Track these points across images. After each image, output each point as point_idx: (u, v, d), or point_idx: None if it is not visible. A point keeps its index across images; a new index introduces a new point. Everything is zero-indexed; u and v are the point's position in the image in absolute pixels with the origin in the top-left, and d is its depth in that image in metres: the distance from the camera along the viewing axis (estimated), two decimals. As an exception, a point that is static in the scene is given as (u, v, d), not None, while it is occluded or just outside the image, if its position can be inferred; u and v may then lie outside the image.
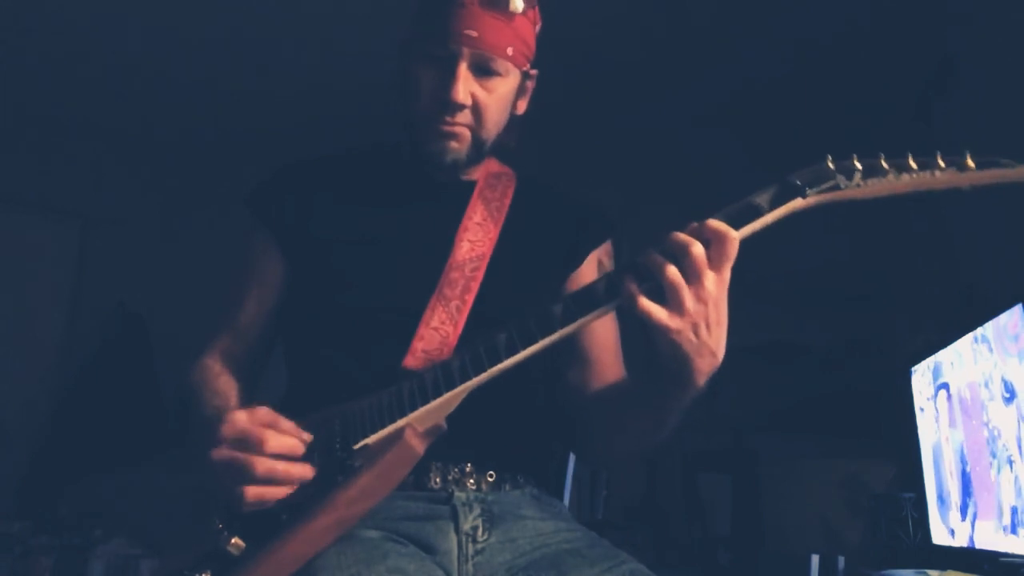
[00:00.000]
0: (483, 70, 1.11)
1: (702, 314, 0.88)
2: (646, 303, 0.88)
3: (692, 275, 0.87)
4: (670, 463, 3.73)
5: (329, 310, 1.13)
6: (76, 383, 3.84)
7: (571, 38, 2.63)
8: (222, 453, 0.89)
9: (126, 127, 3.97)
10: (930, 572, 1.86)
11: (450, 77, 1.09)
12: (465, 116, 1.12)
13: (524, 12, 1.11)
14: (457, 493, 1.05)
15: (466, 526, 1.02)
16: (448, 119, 1.11)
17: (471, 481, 1.07)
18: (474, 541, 1.02)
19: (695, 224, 0.90)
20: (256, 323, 1.19)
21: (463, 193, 1.21)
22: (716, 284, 0.88)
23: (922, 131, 3.14)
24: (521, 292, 1.14)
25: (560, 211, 1.26)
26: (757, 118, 3.47)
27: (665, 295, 0.88)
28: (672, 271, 0.87)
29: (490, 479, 1.08)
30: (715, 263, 0.88)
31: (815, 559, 2.41)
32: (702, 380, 0.93)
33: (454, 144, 1.13)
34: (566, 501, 1.53)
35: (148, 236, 4.17)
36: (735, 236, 0.88)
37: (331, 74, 3.39)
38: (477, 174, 1.23)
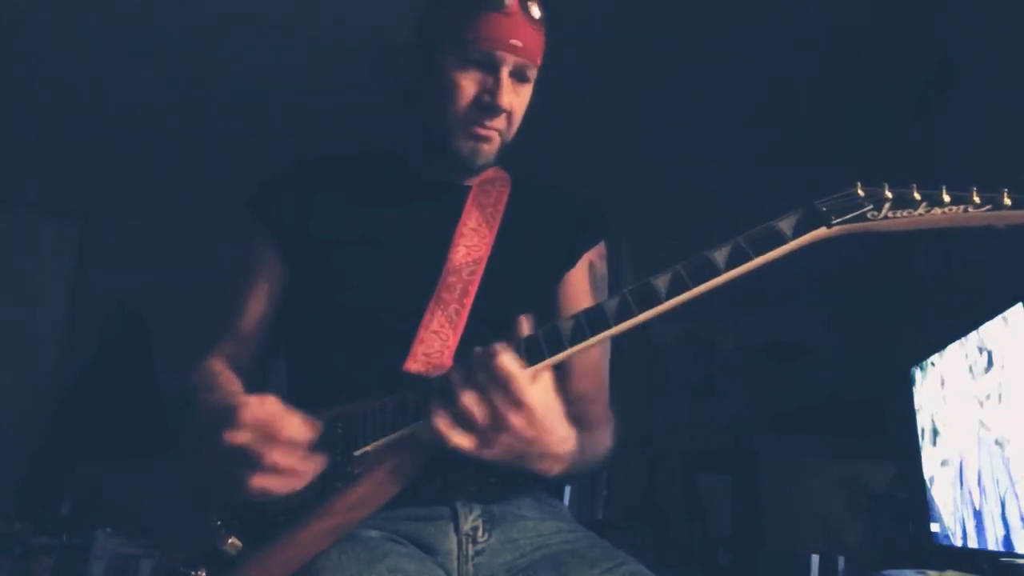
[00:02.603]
0: (520, 77, 1.14)
1: (507, 441, 0.88)
2: (445, 428, 0.87)
3: (487, 410, 0.86)
4: (670, 463, 3.72)
5: (329, 311, 1.13)
6: (76, 383, 3.84)
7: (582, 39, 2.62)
8: (240, 437, 0.87)
9: (126, 127, 3.97)
10: (930, 572, 1.86)
11: (496, 84, 1.11)
12: (500, 121, 1.14)
13: (544, 20, 1.14)
14: (457, 493, 1.05)
15: (466, 527, 1.02)
16: (487, 123, 1.13)
17: (471, 482, 1.06)
18: (474, 542, 1.02)
19: (479, 351, 0.87)
20: (258, 327, 1.18)
21: (459, 197, 1.21)
22: (518, 415, 0.87)
23: (922, 131, 3.14)
24: (518, 295, 1.14)
25: (556, 211, 1.26)
26: (757, 118, 3.47)
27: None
28: (468, 399, 0.86)
29: (490, 480, 1.08)
30: (508, 401, 0.86)
31: (815, 559, 2.41)
32: (559, 467, 0.95)
33: (486, 147, 1.15)
34: (566, 501, 1.53)
35: (148, 236, 4.17)
36: (517, 374, 0.85)
37: (332, 74, 3.39)
38: (474, 178, 1.23)
